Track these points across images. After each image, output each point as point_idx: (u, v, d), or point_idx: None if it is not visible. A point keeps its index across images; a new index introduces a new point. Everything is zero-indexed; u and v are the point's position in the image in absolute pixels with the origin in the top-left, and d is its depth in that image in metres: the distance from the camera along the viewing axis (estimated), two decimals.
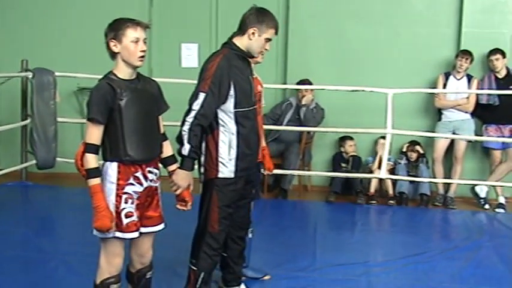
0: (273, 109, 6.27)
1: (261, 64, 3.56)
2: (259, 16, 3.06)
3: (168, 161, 2.94)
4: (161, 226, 2.89)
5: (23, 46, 6.55)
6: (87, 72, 5.73)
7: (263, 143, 3.63)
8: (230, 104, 3.01)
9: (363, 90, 5.73)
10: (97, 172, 2.66)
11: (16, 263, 4.01)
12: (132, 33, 2.67)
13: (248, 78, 3.12)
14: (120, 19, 2.73)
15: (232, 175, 3.06)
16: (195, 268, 3.16)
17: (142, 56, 2.71)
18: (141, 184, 2.76)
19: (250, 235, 3.65)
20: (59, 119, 5.93)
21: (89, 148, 2.66)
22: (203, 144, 3.08)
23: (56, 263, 3.98)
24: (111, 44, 2.70)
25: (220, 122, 3.03)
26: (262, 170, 3.64)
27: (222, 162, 3.04)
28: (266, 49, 3.14)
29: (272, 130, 6.07)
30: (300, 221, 5.44)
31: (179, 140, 2.96)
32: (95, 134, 2.67)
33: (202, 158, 3.09)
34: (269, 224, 5.07)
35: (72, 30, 6.57)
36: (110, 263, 2.77)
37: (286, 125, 6.12)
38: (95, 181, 2.65)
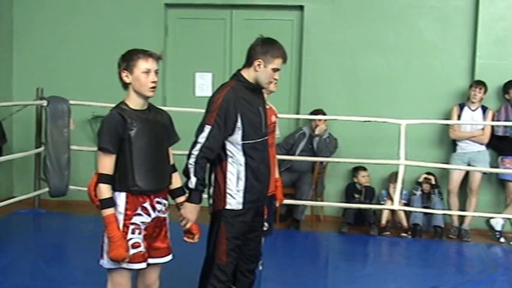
0: (286, 139, 6.27)
1: (274, 94, 3.56)
2: (264, 47, 3.03)
3: (176, 193, 2.94)
4: (169, 257, 2.87)
5: (38, 74, 6.64)
6: (102, 100, 5.77)
7: (276, 174, 3.61)
8: (238, 136, 2.99)
9: (376, 121, 5.71)
10: (111, 202, 2.66)
11: None
12: (143, 65, 2.69)
13: (258, 110, 3.09)
14: (133, 50, 2.75)
15: (240, 207, 3.03)
16: None
17: (154, 87, 2.73)
18: (149, 215, 2.75)
19: (260, 267, 3.60)
20: (73, 147, 5.97)
21: (102, 178, 2.67)
22: (212, 176, 3.07)
23: None
24: (123, 74, 2.73)
25: (228, 153, 3.02)
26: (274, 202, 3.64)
27: (230, 194, 3.02)
28: (276, 79, 3.11)
29: (285, 160, 6.06)
30: (311, 251, 5.38)
31: (185, 173, 2.94)
32: (107, 163, 2.67)
33: (211, 190, 3.08)
34: (281, 254, 5.02)
35: (87, 59, 6.65)
36: None
37: (299, 154, 6.11)
38: (109, 211, 2.65)
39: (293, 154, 6.11)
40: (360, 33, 6.37)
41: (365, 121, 5.74)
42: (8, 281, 4.16)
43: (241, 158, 3.01)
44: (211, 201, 3.10)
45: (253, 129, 3.03)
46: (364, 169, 6.18)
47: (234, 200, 3.02)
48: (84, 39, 6.70)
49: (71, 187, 5.99)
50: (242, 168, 3.01)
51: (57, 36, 6.73)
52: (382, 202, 6.09)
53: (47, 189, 5.99)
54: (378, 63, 6.31)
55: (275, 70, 3.05)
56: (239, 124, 2.98)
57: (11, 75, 6.82)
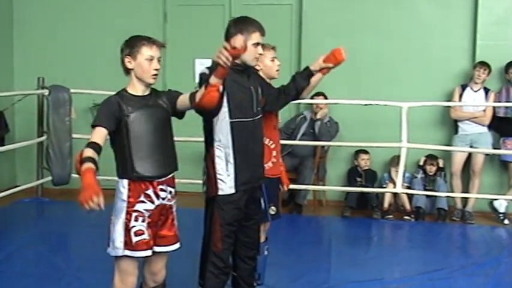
0: (287, 123, 6.25)
1: (275, 82, 3.55)
2: (238, 25, 3.02)
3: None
4: (176, 246, 2.84)
5: (39, 64, 6.62)
6: (103, 89, 5.76)
7: (279, 159, 3.62)
8: (225, 114, 2.95)
9: (377, 104, 5.69)
10: (91, 160, 2.51)
11: (29, 280, 4.01)
12: (147, 51, 2.68)
13: (249, 89, 3.06)
14: (137, 36, 2.74)
15: (232, 190, 3.00)
16: None
17: (156, 74, 2.71)
18: (152, 202, 2.73)
19: (266, 252, 3.61)
20: (74, 136, 5.97)
21: (88, 144, 2.59)
22: (203, 164, 3.07)
23: (69, 279, 3.98)
24: (126, 60, 2.71)
25: (215, 137, 2.99)
26: (280, 186, 3.63)
27: (220, 179, 2.99)
28: (260, 54, 3.08)
29: (286, 144, 6.05)
30: (314, 236, 5.39)
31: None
32: (96, 135, 2.62)
33: (204, 177, 3.07)
34: (284, 239, 5.02)
35: (87, 47, 6.64)
36: (124, 282, 2.75)
37: (300, 139, 6.10)
38: (86, 165, 2.49)
39: (294, 138, 6.10)
40: (360, 16, 6.33)
41: (366, 104, 5.72)
42: (13, 269, 4.19)
43: (228, 140, 2.97)
44: (204, 188, 3.09)
45: (240, 108, 2.99)
46: (365, 152, 6.17)
47: (226, 185, 3.00)
48: (84, 27, 6.68)
49: (74, 175, 6.00)
50: (230, 151, 2.98)
51: (57, 25, 6.71)
52: (384, 185, 6.09)
53: (49, 178, 6.01)
54: (378, 46, 6.27)
55: (256, 45, 3.02)
56: (225, 102, 2.94)
57: (12, 64, 6.82)
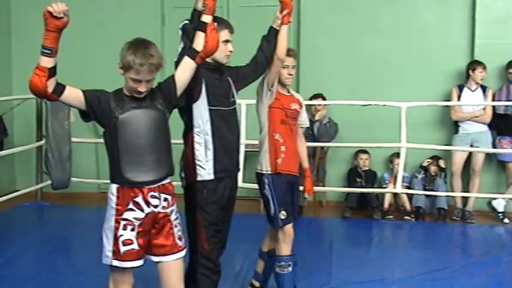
0: None
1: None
2: None
3: None
4: (178, 255, 2.69)
5: None
6: None
7: (306, 164, 3.61)
8: (203, 101, 2.97)
9: (376, 104, 5.69)
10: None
11: (30, 284, 4.00)
12: (134, 75, 2.54)
13: (227, 80, 3.10)
14: (133, 50, 2.55)
15: (211, 176, 2.99)
16: None
17: (141, 92, 2.59)
18: (142, 210, 2.59)
19: (289, 269, 3.50)
20: (73, 139, 5.96)
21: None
22: (182, 151, 3.07)
23: (70, 284, 3.97)
24: (118, 66, 2.61)
25: (195, 123, 2.99)
26: (301, 189, 3.59)
27: (199, 165, 2.99)
28: (231, 51, 3.09)
29: None
30: (315, 237, 5.37)
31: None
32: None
33: (182, 163, 3.07)
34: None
35: (84, 49, 6.62)
36: None
37: None
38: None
39: None
40: (358, 16, 6.33)
41: (365, 105, 5.71)
42: (13, 273, 4.18)
43: (208, 128, 2.98)
44: (183, 174, 3.07)
45: (218, 97, 3.02)
46: (364, 152, 6.16)
47: (204, 170, 2.98)
48: (82, 31, 6.65)
49: (73, 179, 6.00)
50: (209, 138, 2.98)
51: None
52: (384, 186, 6.08)
53: (49, 182, 6.01)
54: (376, 45, 6.27)
55: (226, 42, 3.05)
56: (203, 89, 2.96)
57: (11, 69, 6.82)
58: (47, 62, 2.56)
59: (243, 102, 5.72)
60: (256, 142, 6.13)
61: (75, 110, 6.18)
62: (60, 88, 2.60)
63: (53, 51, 2.53)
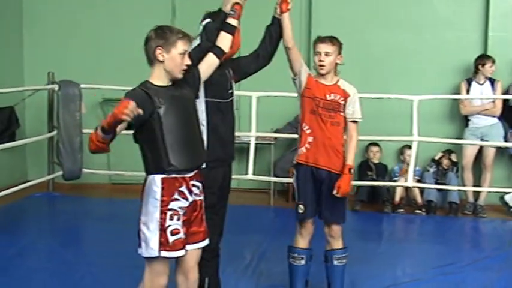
0: (296, 117, 6.21)
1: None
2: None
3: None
4: (206, 242, 2.77)
5: (49, 59, 6.62)
6: (112, 84, 5.76)
7: (348, 161, 3.48)
8: (201, 92, 2.99)
9: (388, 98, 5.65)
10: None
11: (42, 275, 4.02)
12: (182, 46, 2.64)
13: (225, 73, 3.11)
14: (170, 28, 2.67)
15: (203, 165, 2.93)
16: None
17: (185, 70, 2.67)
18: (186, 199, 2.66)
19: (336, 262, 3.46)
20: (84, 130, 5.97)
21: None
22: None
23: (81, 274, 3.98)
24: (158, 51, 2.62)
25: None
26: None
27: None
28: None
29: (296, 139, 6.01)
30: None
31: None
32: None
33: None
34: (293, 234, 5.00)
35: (97, 42, 6.62)
36: (155, 283, 2.67)
37: None
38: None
39: None
40: (370, 8, 6.28)
41: (376, 98, 5.68)
42: (26, 263, 4.20)
43: (203, 118, 3.01)
44: None
45: (215, 90, 3.04)
46: (375, 144, 6.13)
47: None
48: (93, 22, 6.68)
49: (84, 170, 6.03)
50: (204, 128, 3.00)
51: (67, 19, 6.70)
52: (394, 179, 6.06)
53: (60, 172, 6.04)
54: (389, 38, 6.23)
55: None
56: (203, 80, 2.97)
57: (22, 60, 6.83)
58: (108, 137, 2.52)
59: (254, 94, 5.73)
60: (266, 134, 6.23)
61: (86, 101, 6.23)
62: (112, 136, 2.54)
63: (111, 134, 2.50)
